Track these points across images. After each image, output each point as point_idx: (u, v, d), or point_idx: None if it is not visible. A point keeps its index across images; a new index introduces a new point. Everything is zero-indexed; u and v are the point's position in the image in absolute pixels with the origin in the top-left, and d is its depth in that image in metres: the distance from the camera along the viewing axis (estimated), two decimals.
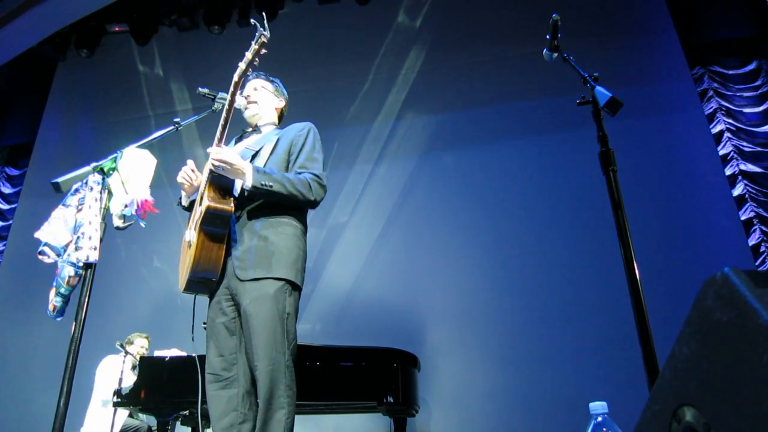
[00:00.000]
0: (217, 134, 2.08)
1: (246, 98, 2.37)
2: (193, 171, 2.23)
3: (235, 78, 2.09)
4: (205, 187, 2.07)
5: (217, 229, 2.05)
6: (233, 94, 2.11)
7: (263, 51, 2.04)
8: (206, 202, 2.01)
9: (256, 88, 2.40)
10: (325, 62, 5.93)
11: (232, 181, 2.10)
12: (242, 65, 2.07)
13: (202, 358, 2.12)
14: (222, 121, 2.09)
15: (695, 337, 0.71)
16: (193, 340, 2.19)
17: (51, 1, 5.34)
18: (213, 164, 2.02)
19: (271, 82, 2.47)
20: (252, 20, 2.04)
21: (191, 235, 2.11)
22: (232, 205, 2.06)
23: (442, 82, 5.66)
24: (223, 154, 2.02)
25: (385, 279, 5.08)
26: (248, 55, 2.05)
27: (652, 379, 1.50)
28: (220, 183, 2.08)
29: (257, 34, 2.02)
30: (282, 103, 2.49)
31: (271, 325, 1.96)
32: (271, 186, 2.04)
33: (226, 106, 2.11)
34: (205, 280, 2.09)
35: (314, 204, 2.17)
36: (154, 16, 6.55)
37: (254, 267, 2.03)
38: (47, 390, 3.01)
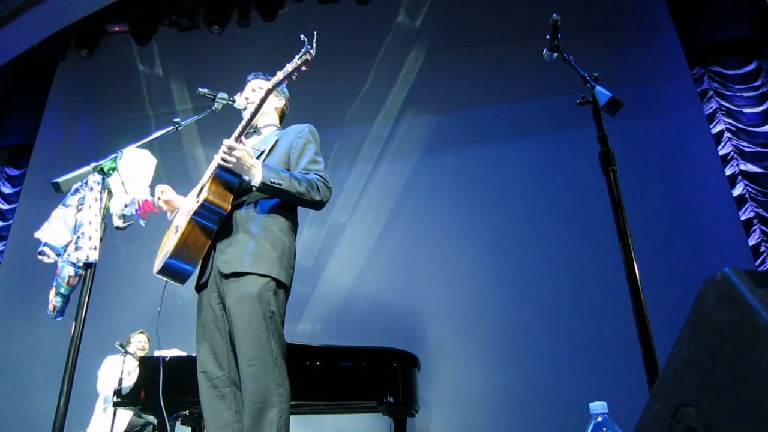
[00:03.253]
0: (236, 132, 2.04)
1: (245, 99, 2.36)
2: (160, 195, 2.24)
3: (269, 86, 2.07)
4: (208, 179, 2.05)
5: (208, 224, 2.03)
6: (263, 100, 2.09)
7: (304, 68, 2.01)
8: (205, 195, 2.00)
9: (254, 89, 2.38)
10: (325, 62, 5.91)
11: (237, 181, 2.07)
12: (280, 75, 2.04)
13: (188, 360, 2.11)
14: (243, 122, 2.07)
15: (695, 337, 0.71)
16: (157, 328, 2.22)
17: (51, 1, 5.34)
18: (222, 157, 1.99)
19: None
20: (301, 35, 1.99)
21: (180, 220, 2.11)
22: (230, 204, 2.05)
23: (442, 82, 5.66)
24: (234, 147, 1.98)
25: (385, 279, 5.08)
26: (288, 67, 2.02)
27: (652, 379, 1.50)
28: (225, 180, 2.06)
29: (303, 50, 1.99)
30: (282, 103, 2.48)
31: (255, 325, 1.93)
32: (280, 184, 2.01)
33: (252, 110, 2.09)
34: (180, 270, 2.06)
35: (321, 205, 2.15)
36: (154, 16, 6.55)
37: (235, 261, 2.01)
38: (47, 390, 3.02)
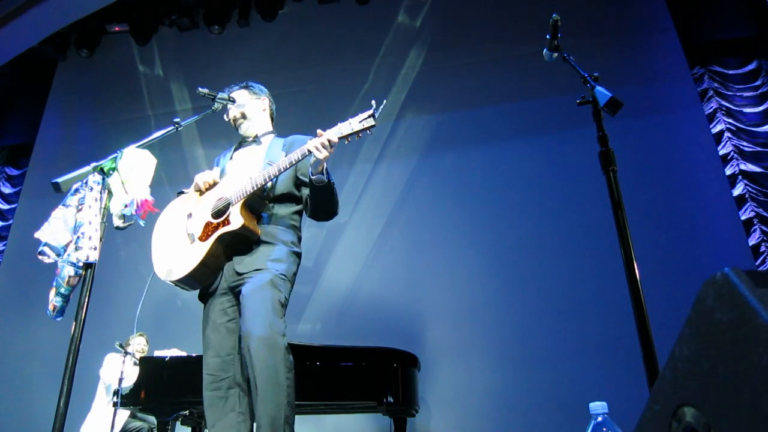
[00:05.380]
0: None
1: (233, 119, 2.40)
2: (212, 183, 2.28)
3: (334, 138, 2.03)
4: (240, 202, 2.10)
5: (235, 245, 2.12)
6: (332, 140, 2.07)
7: (369, 132, 2.01)
8: (241, 221, 2.06)
9: (238, 105, 2.41)
10: (325, 62, 5.92)
11: (263, 206, 2.18)
12: (344, 131, 2.01)
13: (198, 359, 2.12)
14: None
15: (695, 337, 0.71)
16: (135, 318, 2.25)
17: (51, 1, 5.34)
18: (318, 147, 2.00)
19: (245, 87, 2.46)
20: (372, 101, 1.96)
21: (198, 229, 2.12)
22: (258, 228, 2.14)
23: (442, 82, 5.65)
24: (335, 144, 2.01)
25: (385, 279, 5.08)
26: (353, 125, 1.99)
27: (652, 379, 1.50)
28: (253, 205, 2.14)
29: (367, 114, 1.96)
30: (266, 102, 2.48)
31: (270, 306, 2.00)
32: (333, 184, 2.14)
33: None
34: (199, 279, 2.14)
35: (334, 216, 2.28)
36: (154, 16, 6.54)
37: (253, 263, 2.10)
38: (47, 390, 3.01)
